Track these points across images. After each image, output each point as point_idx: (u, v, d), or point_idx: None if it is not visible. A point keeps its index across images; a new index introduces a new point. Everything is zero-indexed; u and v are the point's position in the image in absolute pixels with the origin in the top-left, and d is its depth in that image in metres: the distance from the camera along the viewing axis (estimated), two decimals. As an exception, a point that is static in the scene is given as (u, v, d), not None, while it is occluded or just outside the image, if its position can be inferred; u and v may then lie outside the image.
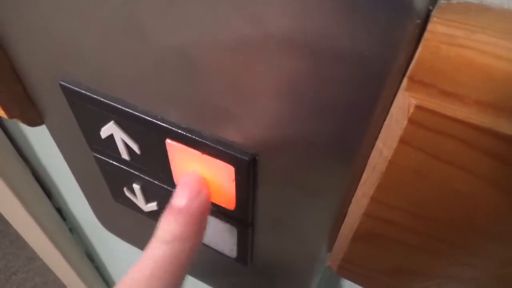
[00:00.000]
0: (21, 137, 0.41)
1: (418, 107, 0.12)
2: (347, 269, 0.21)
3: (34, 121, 0.29)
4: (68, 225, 0.57)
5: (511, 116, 0.11)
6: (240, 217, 0.24)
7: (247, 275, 0.32)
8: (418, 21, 0.12)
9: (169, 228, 0.19)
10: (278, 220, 0.24)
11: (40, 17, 0.20)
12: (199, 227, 0.20)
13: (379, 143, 0.14)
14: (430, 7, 0.12)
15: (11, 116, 0.27)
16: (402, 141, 0.13)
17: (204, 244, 0.30)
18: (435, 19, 0.12)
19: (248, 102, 0.17)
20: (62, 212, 0.54)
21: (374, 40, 0.12)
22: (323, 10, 0.13)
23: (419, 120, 0.12)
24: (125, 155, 0.25)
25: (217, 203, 0.24)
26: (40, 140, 0.40)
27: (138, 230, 0.37)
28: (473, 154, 0.12)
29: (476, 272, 0.16)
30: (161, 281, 0.17)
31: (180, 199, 0.19)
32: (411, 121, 0.12)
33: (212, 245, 0.29)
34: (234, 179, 0.21)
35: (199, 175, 0.21)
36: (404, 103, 0.12)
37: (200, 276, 0.38)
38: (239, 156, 0.20)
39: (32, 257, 0.64)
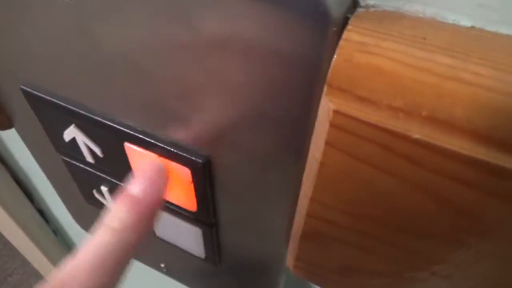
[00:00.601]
0: (-3, 141, 0.41)
1: (336, 112, 0.12)
2: (301, 268, 0.21)
3: (3, 125, 0.29)
4: (52, 227, 0.58)
5: (420, 120, 0.11)
6: (203, 218, 0.25)
7: (218, 275, 0.33)
8: (335, 29, 0.12)
9: (120, 216, 0.18)
10: (240, 220, 0.24)
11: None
12: (150, 221, 0.19)
13: (312, 146, 0.15)
14: (349, 15, 0.13)
15: (-22, 120, 0.27)
16: (328, 144, 0.13)
17: (174, 245, 0.31)
18: (349, 27, 0.12)
19: (197, 107, 0.18)
20: (44, 214, 0.54)
21: (297, 47, 0.13)
22: (251, 18, 0.13)
23: (339, 124, 0.13)
24: (89, 158, 0.25)
25: (179, 204, 0.25)
26: (18, 143, 0.40)
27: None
28: (390, 156, 0.12)
29: (414, 270, 0.16)
30: (104, 269, 0.16)
31: (136, 189, 0.19)
32: (332, 125, 0.13)
33: (181, 246, 0.30)
34: (192, 181, 0.22)
35: (159, 165, 0.21)
36: (325, 108, 0.13)
37: (177, 277, 0.39)
38: (193, 158, 0.20)
39: (27, 259, 0.65)
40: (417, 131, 0.11)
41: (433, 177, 0.12)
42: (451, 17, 0.12)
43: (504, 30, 0.12)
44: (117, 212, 0.18)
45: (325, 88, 0.13)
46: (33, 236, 0.56)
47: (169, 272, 0.39)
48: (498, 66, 0.11)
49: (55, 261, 0.62)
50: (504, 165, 0.11)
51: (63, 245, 0.61)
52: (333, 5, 0.12)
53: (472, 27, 0.12)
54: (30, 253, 0.61)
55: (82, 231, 0.43)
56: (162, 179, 0.20)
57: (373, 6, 0.13)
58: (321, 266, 0.20)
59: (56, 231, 0.59)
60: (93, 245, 0.17)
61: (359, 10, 0.13)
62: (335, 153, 0.13)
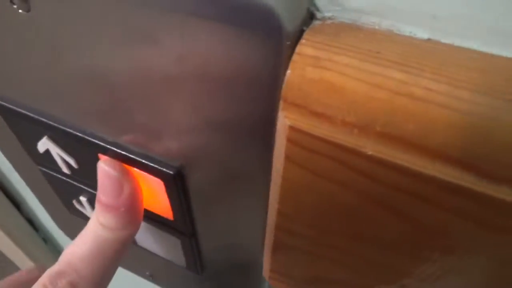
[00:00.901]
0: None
1: (291, 128, 0.12)
2: (276, 279, 0.21)
3: (-20, 136, 0.29)
4: (41, 236, 0.57)
5: (374, 136, 0.11)
6: (181, 227, 0.24)
7: (203, 283, 0.33)
8: (288, 43, 0.12)
9: (103, 221, 0.19)
10: (218, 230, 0.24)
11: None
12: (132, 218, 0.20)
13: (274, 160, 0.15)
14: (304, 28, 0.12)
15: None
16: (287, 158, 0.13)
17: (157, 255, 0.30)
18: (303, 41, 0.12)
19: (164, 120, 0.18)
20: (33, 223, 0.54)
21: (253, 62, 0.13)
22: (207, 36, 0.13)
23: (296, 139, 0.12)
24: (65, 169, 0.25)
25: (157, 213, 0.24)
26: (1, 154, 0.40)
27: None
28: (346, 171, 0.12)
29: (383, 283, 0.16)
30: (100, 260, 0.18)
31: (105, 196, 0.20)
32: (289, 140, 0.12)
33: (163, 255, 0.30)
34: (165, 191, 0.21)
35: (121, 168, 0.20)
36: (282, 123, 0.12)
37: (163, 284, 0.39)
38: (165, 170, 0.20)
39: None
40: (371, 147, 0.11)
41: (390, 192, 0.12)
42: (407, 30, 0.12)
43: (459, 42, 0.12)
44: (102, 217, 0.19)
45: (281, 103, 0.12)
46: (23, 245, 0.56)
47: (155, 280, 0.38)
48: (451, 81, 0.10)
49: (45, 267, 0.61)
50: (457, 182, 0.10)
51: (54, 253, 0.61)
52: (286, 18, 0.12)
53: (429, 40, 0.12)
54: (21, 262, 0.60)
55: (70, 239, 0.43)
56: (128, 183, 0.20)
57: (329, 18, 0.13)
58: (294, 277, 0.19)
59: (46, 239, 0.58)
60: (88, 236, 0.18)
61: (315, 22, 0.12)
62: (295, 168, 0.13)
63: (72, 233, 0.40)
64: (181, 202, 0.22)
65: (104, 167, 0.20)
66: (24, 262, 0.58)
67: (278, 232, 0.17)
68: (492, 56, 0.11)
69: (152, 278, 0.38)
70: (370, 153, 0.11)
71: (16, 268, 0.63)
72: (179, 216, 0.23)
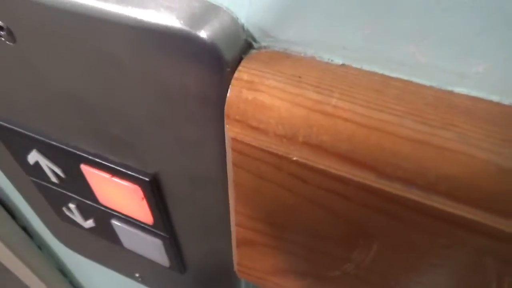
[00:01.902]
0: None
1: (234, 139, 0.15)
2: (245, 273, 0.23)
3: (-25, 150, 0.31)
4: (36, 243, 0.59)
5: (298, 145, 0.14)
6: (160, 230, 0.27)
7: (187, 282, 0.35)
8: (229, 69, 0.14)
9: None
10: (194, 231, 0.26)
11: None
12: None
13: (227, 167, 0.17)
14: (243, 56, 0.15)
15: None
16: (234, 165, 0.16)
17: (143, 257, 0.33)
18: (240, 67, 0.14)
19: (136, 132, 0.20)
20: (27, 230, 0.56)
21: (202, 85, 0.15)
22: (161, 63, 0.15)
23: (239, 149, 0.15)
24: (53, 179, 0.27)
25: (137, 219, 0.27)
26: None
27: (90, 244, 0.39)
28: (281, 174, 0.15)
29: (329, 270, 0.18)
30: None
31: None
32: (233, 149, 0.15)
33: (147, 255, 0.32)
34: (143, 197, 0.24)
35: None
36: (228, 135, 0.15)
37: (152, 286, 0.41)
38: (141, 177, 0.22)
39: (16, 277, 0.67)
40: (296, 154, 0.14)
41: (317, 191, 0.14)
42: (326, 57, 0.15)
43: (366, 67, 0.14)
44: None
45: (225, 119, 0.15)
46: (19, 252, 0.58)
47: (144, 281, 0.41)
48: (353, 100, 0.13)
49: (42, 276, 0.63)
50: (362, 181, 0.13)
51: (50, 260, 0.63)
52: (225, 49, 0.14)
53: (343, 65, 0.14)
54: (17, 269, 0.62)
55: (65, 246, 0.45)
56: None
57: (264, 47, 0.15)
58: (258, 269, 0.22)
59: (41, 246, 0.60)
60: None
61: (252, 51, 0.15)
62: (242, 172, 0.16)
63: (65, 239, 0.42)
64: (158, 206, 0.24)
65: None
66: (20, 269, 0.60)
67: (238, 228, 0.19)
68: (389, 78, 0.14)
69: (141, 279, 0.41)
70: (295, 158, 0.14)
71: (12, 275, 0.65)
72: (158, 219, 0.26)
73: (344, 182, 0.13)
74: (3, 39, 0.18)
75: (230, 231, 0.23)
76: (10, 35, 0.18)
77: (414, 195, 0.13)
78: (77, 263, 0.62)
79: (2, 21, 0.17)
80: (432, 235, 0.13)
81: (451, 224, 0.12)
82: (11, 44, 0.18)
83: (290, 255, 0.19)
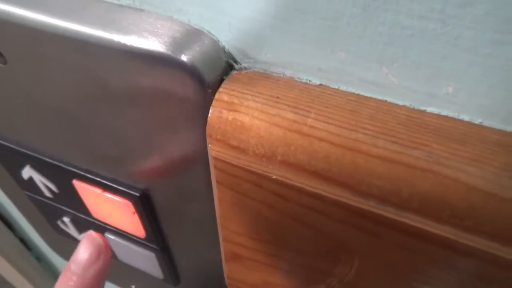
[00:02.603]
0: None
1: (216, 158, 0.15)
2: (235, 286, 0.23)
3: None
4: (34, 255, 0.59)
5: (277, 163, 0.14)
6: (152, 243, 0.27)
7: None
8: (210, 90, 0.15)
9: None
10: (185, 244, 0.27)
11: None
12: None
13: (212, 183, 0.17)
14: (224, 77, 0.15)
15: None
16: (218, 182, 0.16)
17: (138, 269, 0.33)
18: (221, 89, 0.15)
19: (126, 150, 0.20)
20: (26, 242, 0.56)
21: (184, 106, 0.16)
22: (145, 87, 0.16)
23: (220, 167, 0.15)
24: (47, 193, 0.28)
25: (130, 232, 0.27)
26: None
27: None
28: (262, 192, 0.15)
29: (314, 284, 0.19)
30: None
31: (76, 265, 0.22)
32: (216, 167, 0.15)
33: (141, 268, 0.32)
34: (134, 211, 0.24)
35: (100, 241, 0.23)
36: (210, 154, 0.15)
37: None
38: (132, 192, 0.23)
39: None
40: (275, 173, 0.14)
41: (296, 208, 0.15)
42: (304, 77, 0.15)
43: (343, 87, 0.15)
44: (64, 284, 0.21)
45: (207, 138, 0.15)
46: (17, 264, 0.58)
47: (140, 292, 0.41)
48: (327, 120, 0.13)
49: (39, 285, 0.63)
50: (340, 199, 0.13)
51: (48, 271, 0.63)
52: (206, 72, 0.15)
53: (320, 85, 0.15)
54: (16, 281, 0.63)
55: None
56: (103, 256, 0.23)
57: (245, 68, 0.16)
58: (247, 283, 0.22)
59: (40, 258, 0.60)
60: None
61: (234, 72, 0.16)
62: (225, 189, 0.16)
63: (62, 251, 0.42)
64: (149, 220, 0.25)
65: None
66: (18, 281, 0.60)
67: (225, 243, 0.20)
68: (364, 97, 0.14)
69: (137, 291, 0.41)
70: (274, 177, 0.14)
71: (10, 287, 0.65)
72: (150, 233, 0.26)
73: (322, 200, 0.14)
74: (-6, 61, 0.19)
75: (219, 245, 0.24)
76: (1, 57, 0.18)
77: (388, 212, 0.13)
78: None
79: (-7, 45, 0.18)
80: (407, 251, 0.14)
81: (424, 241, 0.13)
82: (1, 65, 0.19)
83: (276, 269, 0.19)
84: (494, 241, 0.12)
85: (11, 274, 0.60)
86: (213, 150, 0.15)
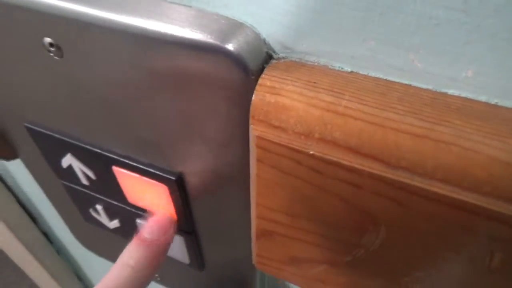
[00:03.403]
0: (3, 169, 0.46)
1: (258, 137, 0.17)
2: (262, 263, 0.25)
3: (10, 156, 0.33)
4: (55, 248, 0.62)
5: (315, 141, 0.16)
6: (182, 227, 0.29)
7: (205, 280, 0.37)
8: (253, 77, 0.17)
9: (136, 255, 0.23)
10: (214, 227, 0.29)
11: (7, 82, 0.25)
12: (160, 260, 0.24)
13: (251, 163, 0.19)
14: (265, 65, 0.17)
15: (-11, 153, 0.31)
16: (258, 160, 0.18)
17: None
18: (263, 75, 0.17)
19: (164, 135, 0.22)
20: (48, 235, 0.58)
21: (231, 91, 0.17)
22: (195, 75, 0.18)
23: (262, 145, 0.17)
24: (84, 181, 0.30)
25: (162, 216, 0.29)
26: (22, 172, 0.45)
27: (110, 246, 0.41)
28: (300, 168, 0.17)
29: (341, 255, 0.21)
30: None
31: (151, 233, 0.24)
32: (257, 146, 0.17)
33: (169, 253, 0.34)
34: (169, 195, 0.26)
35: (170, 218, 0.26)
36: (252, 134, 0.17)
37: (170, 285, 0.43)
38: (168, 176, 0.25)
39: (33, 284, 0.69)
40: (313, 149, 0.16)
41: (331, 181, 0.17)
42: (337, 65, 0.17)
43: (372, 73, 0.16)
44: (134, 252, 0.23)
45: (250, 120, 0.17)
46: (38, 256, 0.60)
47: (163, 281, 0.43)
48: (360, 101, 0.15)
49: (59, 279, 0.65)
50: (371, 170, 0.15)
51: (67, 264, 0.65)
52: (250, 61, 0.16)
53: (351, 72, 0.17)
54: (36, 272, 0.65)
55: (83, 250, 0.48)
56: (172, 229, 0.26)
57: (283, 58, 0.17)
58: (275, 259, 0.24)
59: (59, 251, 0.63)
60: (113, 276, 0.22)
61: (273, 61, 0.17)
62: (265, 167, 0.18)
63: (86, 241, 0.44)
64: (182, 204, 0.27)
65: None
66: (38, 271, 0.63)
67: (258, 220, 0.21)
68: (392, 82, 0.16)
69: (160, 279, 0.43)
70: (312, 152, 0.16)
71: (30, 280, 0.67)
72: (181, 216, 0.28)
73: (355, 172, 0.16)
74: (51, 54, 0.21)
75: (248, 228, 0.25)
76: (59, 50, 0.20)
77: (416, 181, 0.15)
78: (93, 268, 0.64)
79: (53, 39, 0.20)
80: (432, 218, 0.15)
81: (447, 206, 0.14)
82: (58, 58, 0.21)
83: (306, 243, 0.21)
84: (509, 204, 0.13)
85: (32, 265, 0.62)
86: (256, 130, 0.17)
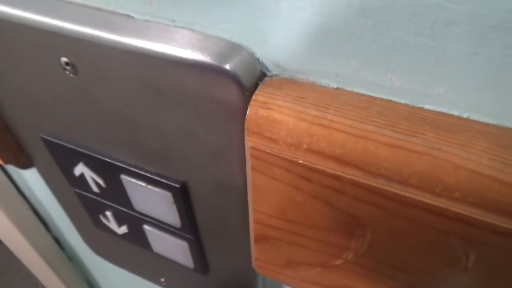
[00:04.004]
0: (18, 178, 0.48)
1: (252, 148, 0.19)
2: (261, 267, 0.27)
3: (26, 165, 0.36)
4: (67, 254, 0.64)
5: (303, 151, 0.18)
6: (187, 232, 0.31)
7: (209, 283, 0.38)
8: (247, 93, 0.19)
9: None
10: (217, 231, 0.30)
11: (26, 96, 0.27)
12: None
13: (247, 171, 0.21)
14: (259, 82, 0.19)
15: (6, 162, 0.34)
16: (253, 168, 0.20)
17: (168, 259, 0.36)
18: (257, 92, 0.18)
19: (170, 146, 0.24)
20: (60, 242, 0.61)
21: (225, 106, 0.19)
22: (192, 96, 0.20)
23: (256, 155, 0.19)
24: (95, 188, 0.32)
25: (167, 222, 0.31)
26: (35, 179, 0.47)
27: (120, 252, 0.43)
28: (290, 175, 0.18)
29: (332, 258, 0.22)
30: None
31: None
32: (252, 156, 0.19)
33: (173, 258, 0.36)
34: (173, 202, 0.28)
35: None
36: (247, 145, 0.19)
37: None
38: (172, 184, 0.26)
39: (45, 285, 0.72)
40: (302, 158, 0.18)
41: (318, 188, 0.18)
42: (324, 82, 0.19)
43: (356, 89, 0.18)
44: None
45: (245, 132, 0.19)
46: (50, 262, 0.62)
47: (169, 286, 0.44)
48: (345, 115, 0.17)
49: (70, 285, 0.67)
50: (354, 178, 0.17)
51: (78, 271, 0.67)
52: (244, 79, 0.18)
53: (337, 88, 0.18)
54: (48, 278, 0.67)
55: (94, 257, 0.49)
56: None
57: (275, 75, 0.19)
58: (273, 262, 0.25)
59: (71, 257, 0.65)
60: None
61: (266, 78, 0.19)
62: (259, 175, 0.20)
63: (96, 247, 0.46)
64: (186, 210, 0.28)
65: None
66: (50, 279, 0.65)
67: (255, 225, 0.23)
68: (373, 98, 0.17)
69: (166, 284, 0.44)
70: (300, 161, 0.18)
71: (37, 282, 0.69)
72: (185, 222, 0.30)
73: (339, 179, 0.17)
74: (67, 72, 0.23)
75: (248, 233, 0.27)
76: (74, 69, 0.22)
77: (393, 188, 0.16)
78: (104, 275, 0.66)
79: (69, 58, 0.22)
80: (409, 220, 0.17)
81: (422, 210, 0.16)
82: (73, 76, 0.23)
83: (300, 247, 0.23)
84: (476, 208, 0.15)
85: (44, 271, 0.64)
86: (250, 141, 0.19)
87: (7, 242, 0.58)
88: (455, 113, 0.17)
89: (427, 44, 0.15)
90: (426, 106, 0.17)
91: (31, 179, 0.48)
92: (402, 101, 0.17)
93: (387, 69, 0.17)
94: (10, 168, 0.47)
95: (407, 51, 0.15)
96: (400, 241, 0.18)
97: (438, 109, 0.17)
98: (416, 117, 0.17)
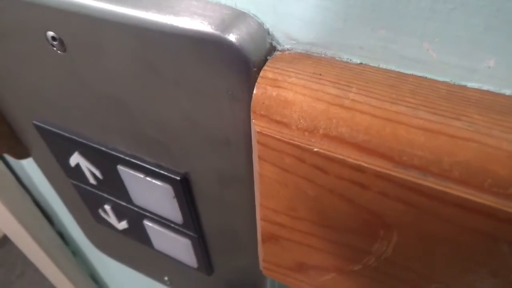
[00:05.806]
0: (20, 169, 0.46)
1: (260, 133, 0.16)
2: (269, 269, 0.24)
3: (22, 155, 0.34)
4: (71, 249, 0.62)
5: (319, 137, 0.15)
6: (189, 229, 0.28)
7: (214, 284, 0.36)
8: (255, 69, 0.16)
9: None
10: (221, 230, 0.28)
11: (14, 79, 0.25)
12: None
13: (253, 161, 0.18)
14: (268, 57, 0.16)
15: (1, 152, 0.32)
16: (260, 158, 0.17)
17: (171, 257, 0.34)
18: (265, 67, 0.16)
19: (171, 135, 0.22)
20: (63, 236, 0.59)
21: (232, 85, 0.17)
22: (196, 69, 0.17)
23: (264, 142, 0.16)
24: (92, 180, 0.30)
25: (168, 217, 0.28)
26: (38, 171, 0.45)
27: (121, 247, 0.41)
28: (304, 166, 0.16)
29: (350, 263, 0.19)
30: None
31: None
32: (259, 143, 0.16)
33: (176, 256, 0.33)
34: (174, 195, 0.25)
35: None
36: (254, 130, 0.16)
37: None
38: (173, 176, 0.24)
39: (51, 285, 0.71)
40: (317, 146, 0.15)
41: (336, 181, 0.15)
42: (345, 57, 0.16)
43: (383, 65, 0.15)
44: None
45: (252, 114, 0.16)
46: (54, 257, 0.61)
47: (173, 285, 0.42)
48: (369, 94, 0.14)
49: (75, 281, 0.66)
50: (381, 170, 0.14)
51: (82, 266, 0.66)
52: (251, 52, 0.16)
53: (360, 64, 0.15)
54: (52, 273, 0.65)
55: (98, 252, 0.48)
56: None
57: (287, 50, 0.17)
58: (282, 265, 0.23)
59: (75, 252, 0.63)
60: None
61: (276, 53, 0.16)
62: (267, 165, 0.17)
63: (99, 243, 0.44)
64: (188, 205, 0.26)
65: None
66: (54, 272, 0.63)
67: (263, 223, 0.20)
68: (404, 74, 0.15)
69: (170, 283, 0.42)
70: (316, 149, 0.15)
71: (46, 280, 0.68)
72: (188, 218, 0.27)
73: (362, 171, 0.14)
74: (55, 48, 0.20)
75: (255, 231, 0.24)
76: (62, 45, 0.20)
77: (429, 182, 0.13)
78: (108, 271, 0.64)
79: (56, 32, 0.19)
80: (447, 222, 0.14)
81: (465, 210, 0.13)
82: (61, 53, 0.20)
83: (313, 249, 0.20)
84: (537, 208, 0.12)
85: (48, 266, 0.62)
86: (257, 125, 0.16)
87: (10, 236, 0.57)
88: (507, 92, 0.14)
89: (477, 3, 0.12)
90: (470, 84, 0.14)
91: (32, 170, 0.46)
92: (440, 78, 0.14)
93: (423, 38, 0.14)
94: (12, 161, 0.45)
95: (450, 14, 0.12)
96: (434, 246, 0.15)
97: (485, 87, 0.14)
98: (458, 97, 0.14)
